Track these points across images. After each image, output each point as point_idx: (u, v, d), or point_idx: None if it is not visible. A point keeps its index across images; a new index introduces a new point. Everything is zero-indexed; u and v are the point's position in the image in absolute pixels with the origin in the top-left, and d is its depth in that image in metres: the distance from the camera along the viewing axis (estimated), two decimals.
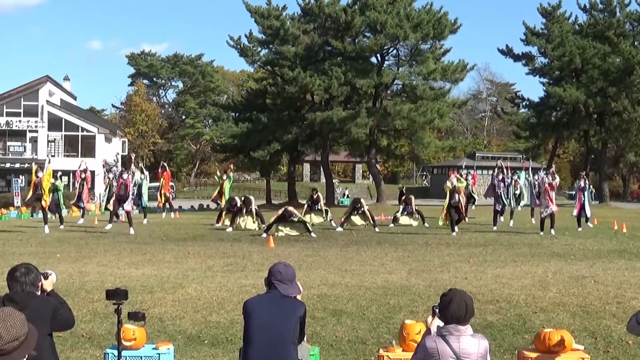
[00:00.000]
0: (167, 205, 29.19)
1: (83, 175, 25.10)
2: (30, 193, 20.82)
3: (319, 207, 22.66)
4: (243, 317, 4.62)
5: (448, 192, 20.25)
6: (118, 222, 21.90)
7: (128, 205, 20.99)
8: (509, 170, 24.90)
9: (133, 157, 24.20)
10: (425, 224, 23.08)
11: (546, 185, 20.24)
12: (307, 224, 19.60)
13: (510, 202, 23.93)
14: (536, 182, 23.89)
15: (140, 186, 24.92)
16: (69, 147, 52.23)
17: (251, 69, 60.78)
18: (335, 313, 8.49)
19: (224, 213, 23.46)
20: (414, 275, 11.33)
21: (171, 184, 62.92)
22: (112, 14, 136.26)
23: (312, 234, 19.00)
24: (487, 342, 4.18)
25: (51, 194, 21.40)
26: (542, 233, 19.74)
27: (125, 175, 21.30)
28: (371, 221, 21.61)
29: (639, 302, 8.95)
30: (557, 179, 21.15)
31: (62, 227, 21.64)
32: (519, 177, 24.39)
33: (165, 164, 29.83)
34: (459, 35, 63.96)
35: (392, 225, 23.46)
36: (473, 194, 25.88)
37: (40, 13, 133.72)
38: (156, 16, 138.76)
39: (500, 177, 23.53)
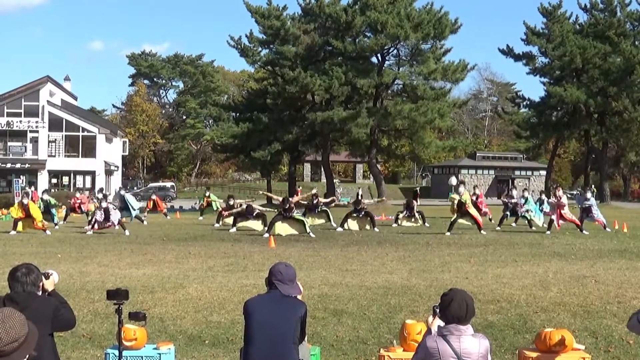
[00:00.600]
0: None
1: (78, 202, 25.84)
2: (15, 219, 20.70)
3: (319, 210, 22.78)
4: (244, 317, 4.62)
5: (455, 206, 20.24)
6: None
7: (116, 218, 20.72)
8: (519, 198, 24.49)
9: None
10: (426, 224, 23.06)
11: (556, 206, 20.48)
12: (306, 225, 19.60)
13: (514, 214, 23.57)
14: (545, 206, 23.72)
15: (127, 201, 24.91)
16: (70, 147, 52.23)
17: (252, 69, 60.86)
18: (336, 313, 8.49)
19: (224, 213, 23.50)
20: (414, 275, 11.33)
21: (172, 184, 63.10)
22: (113, 15, 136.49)
23: (311, 234, 19.02)
24: (487, 341, 4.18)
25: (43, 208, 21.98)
26: (548, 232, 20.05)
27: (104, 204, 21.07)
28: (371, 223, 21.64)
29: (639, 301, 8.94)
30: (564, 199, 20.85)
31: (57, 227, 22.03)
32: (526, 202, 23.74)
33: (156, 199, 30.66)
34: (460, 35, 63.89)
35: (394, 225, 23.43)
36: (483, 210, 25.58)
37: (42, 14, 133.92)
38: (157, 17, 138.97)
39: (510, 199, 23.52)
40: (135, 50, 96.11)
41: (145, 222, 24.45)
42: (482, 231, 19.86)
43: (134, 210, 25.06)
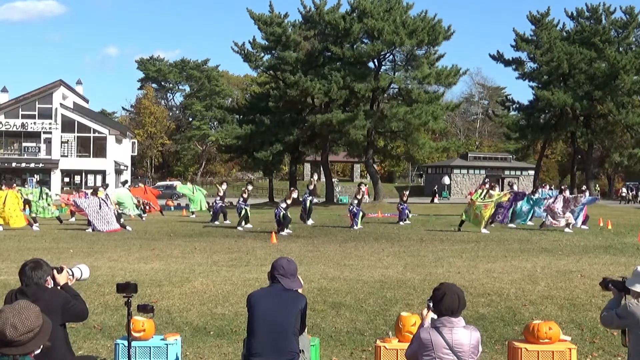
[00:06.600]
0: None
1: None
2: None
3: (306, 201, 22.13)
4: (247, 309, 4.62)
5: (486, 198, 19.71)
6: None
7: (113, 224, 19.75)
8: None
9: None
10: (401, 223, 22.73)
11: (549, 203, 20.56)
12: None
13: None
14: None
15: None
16: (82, 148, 52.30)
17: (254, 73, 60.55)
18: (335, 305, 8.49)
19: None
20: (409, 270, 11.33)
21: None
22: (128, 23, 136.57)
23: (310, 221, 18.93)
24: (478, 333, 4.19)
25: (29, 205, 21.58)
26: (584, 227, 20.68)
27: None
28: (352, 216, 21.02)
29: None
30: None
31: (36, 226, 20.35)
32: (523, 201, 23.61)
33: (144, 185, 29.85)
34: (452, 42, 63.99)
35: (406, 222, 22.99)
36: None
37: (60, 21, 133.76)
38: (168, 24, 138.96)
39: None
40: (147, 56, 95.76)
41: (143, 219, 24.42)
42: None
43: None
